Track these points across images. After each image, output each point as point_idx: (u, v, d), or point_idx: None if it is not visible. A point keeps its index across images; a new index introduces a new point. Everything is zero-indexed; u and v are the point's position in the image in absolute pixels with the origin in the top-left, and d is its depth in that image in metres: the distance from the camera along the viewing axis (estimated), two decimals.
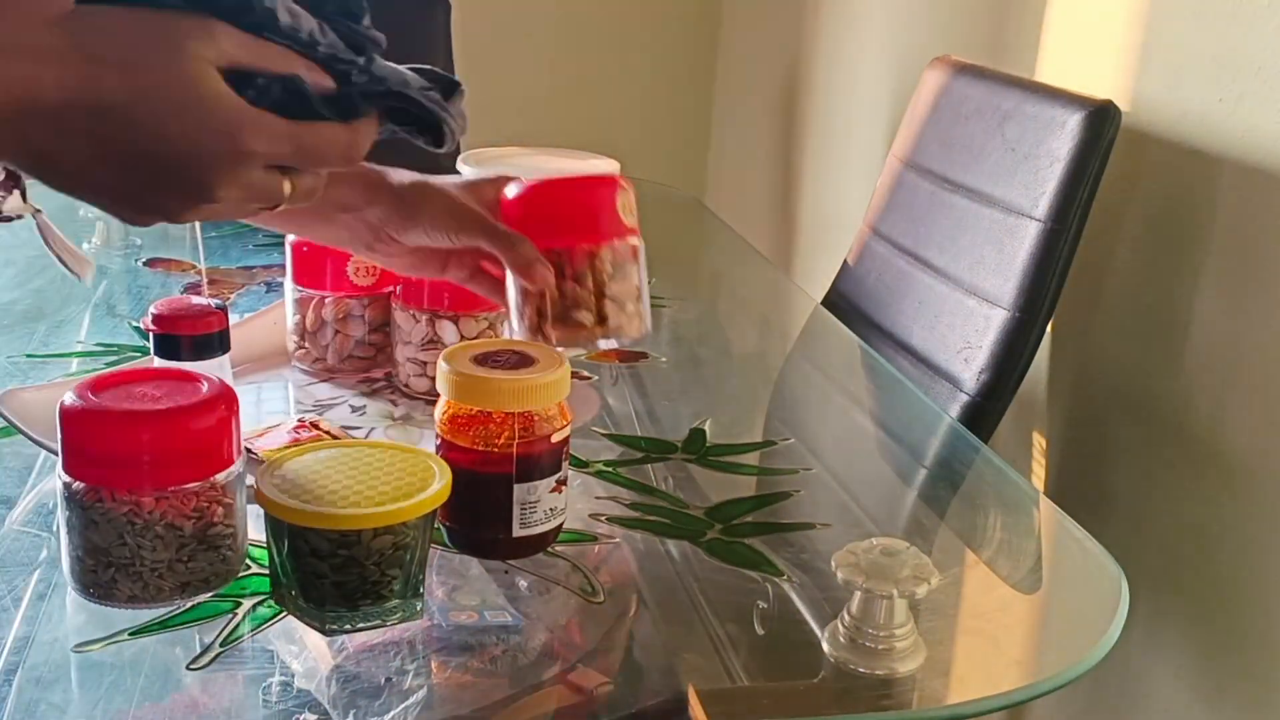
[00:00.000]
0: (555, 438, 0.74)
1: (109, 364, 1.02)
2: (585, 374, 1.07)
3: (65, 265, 0.86)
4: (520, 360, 0.74)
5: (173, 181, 0.57)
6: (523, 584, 0.74)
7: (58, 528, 0.69)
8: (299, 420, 0.89)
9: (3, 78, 0.53)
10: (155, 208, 0.59)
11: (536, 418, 0.73)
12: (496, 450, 0.72)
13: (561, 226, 0.79)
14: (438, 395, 0.75)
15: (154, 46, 0.56)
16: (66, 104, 0.54)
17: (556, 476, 0.74)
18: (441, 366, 0.74)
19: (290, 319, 1.02)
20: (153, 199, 0.58)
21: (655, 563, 0.79)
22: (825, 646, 0.68)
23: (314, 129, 0.60)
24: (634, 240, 0.81)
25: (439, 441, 0.74)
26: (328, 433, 0.88)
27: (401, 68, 0.65)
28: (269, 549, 0.67)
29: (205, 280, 1.25)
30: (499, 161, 1.54)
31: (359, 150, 0.63)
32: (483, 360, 0.74)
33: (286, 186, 0.61)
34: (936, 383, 1.24)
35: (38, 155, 0.56)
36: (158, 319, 0.82)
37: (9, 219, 0.81)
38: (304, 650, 0.66)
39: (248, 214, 0.65)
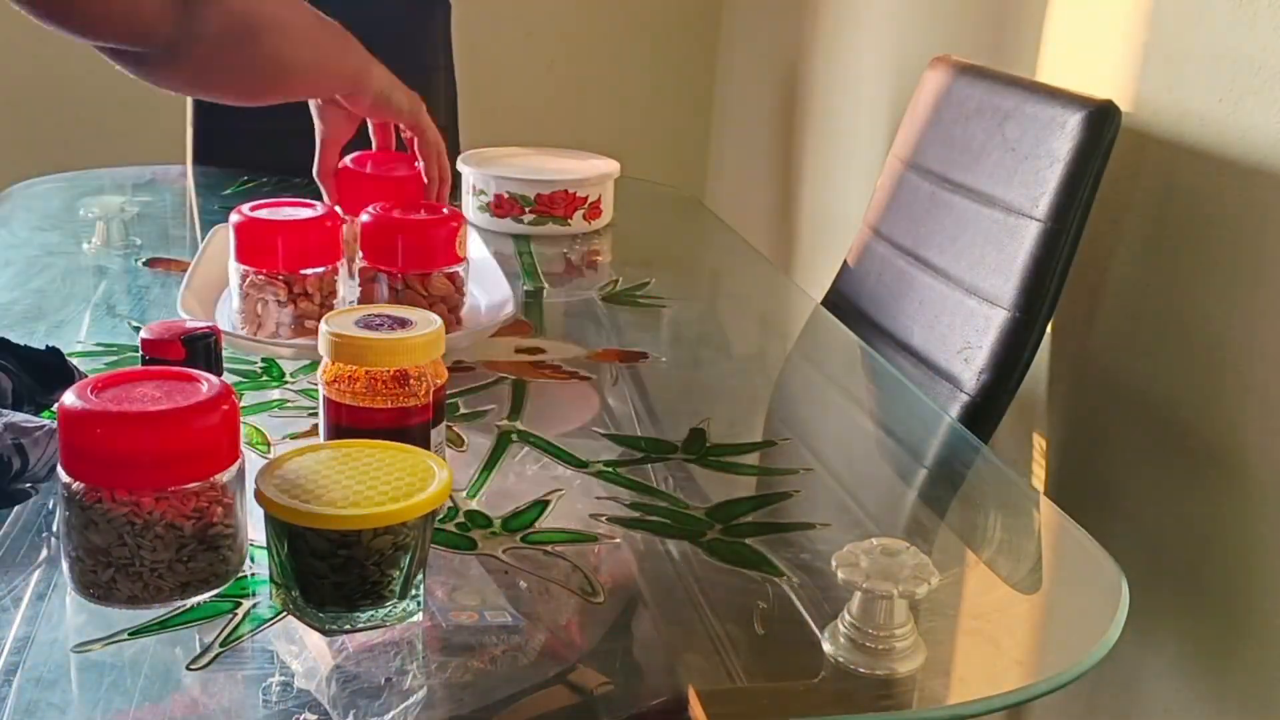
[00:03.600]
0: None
1: (109, 364, 1.02)
2: (585, 374, 1.07)
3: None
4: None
5: None
6: (523, 584, 0.74)
7: (58, 528, 0.69)
8: None
9: None
10: None
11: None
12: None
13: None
14: None
15: None
16: None
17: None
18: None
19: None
20: None
21: (655, 563, 0.79)
22: (825, 646, 0.68)
23: None
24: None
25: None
26: None
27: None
28: (269, 549, 0.67)
29: None
30: (499, 161, 1.54)
31: None
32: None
33: None
34: (936, 383, 1.24)
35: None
36: (148, 344, 0.82)
37: None
38: (304, 650, 0.66)
39: None
